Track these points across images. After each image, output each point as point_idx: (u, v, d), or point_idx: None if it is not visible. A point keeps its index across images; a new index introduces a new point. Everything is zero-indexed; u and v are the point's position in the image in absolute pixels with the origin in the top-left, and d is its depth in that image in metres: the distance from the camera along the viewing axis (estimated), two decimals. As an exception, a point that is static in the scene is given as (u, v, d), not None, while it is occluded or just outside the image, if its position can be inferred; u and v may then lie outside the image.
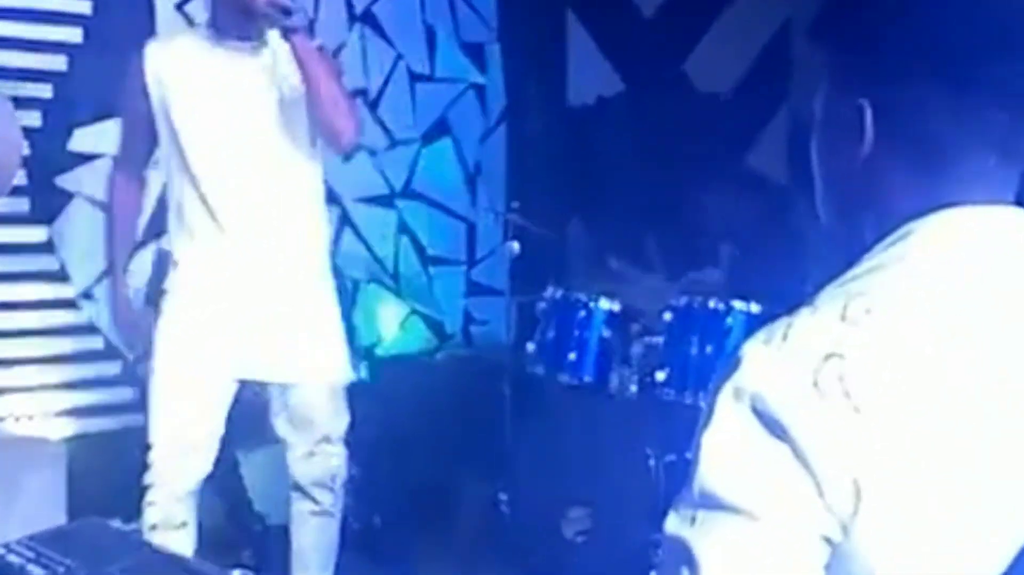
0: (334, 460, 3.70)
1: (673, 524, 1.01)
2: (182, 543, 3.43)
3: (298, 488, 3.74)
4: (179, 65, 3.36)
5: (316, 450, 3.66)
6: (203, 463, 3.47)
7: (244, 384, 3.62)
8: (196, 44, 3.39)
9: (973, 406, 0.97)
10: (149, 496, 3.42)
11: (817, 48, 1.14)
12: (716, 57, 5.92)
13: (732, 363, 1.01)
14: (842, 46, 1.12)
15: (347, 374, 3.67)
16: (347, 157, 5.88)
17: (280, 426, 3.70)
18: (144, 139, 3.53)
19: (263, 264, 3.41)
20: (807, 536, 0.95)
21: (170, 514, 3.40)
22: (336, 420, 3.65)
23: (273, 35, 3.31)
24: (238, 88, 3.35)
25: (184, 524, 3.43)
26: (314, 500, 3.73)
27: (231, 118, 3.35)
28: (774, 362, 0.98)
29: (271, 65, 3.35)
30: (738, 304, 4.23)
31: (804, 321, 1.00)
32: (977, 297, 1.02)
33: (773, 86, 5.06)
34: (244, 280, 3.42)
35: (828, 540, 0.95)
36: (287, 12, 3.16)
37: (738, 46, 5.79)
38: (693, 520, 0.98)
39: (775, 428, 0.95)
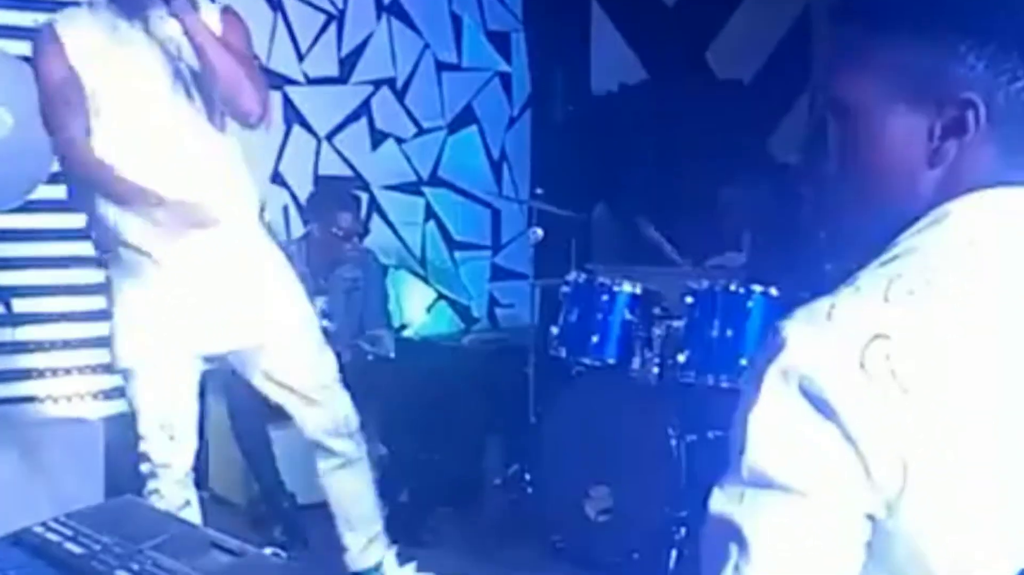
0: (338, 403, 3.64)
1: (719, 502, 1.02)
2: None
3: (318, 447, 3.69)
4: (85, 43, 3.20)
5: (315, 397, 3.59)
6: (191, 442, 3.45)
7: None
8: (98, 20, 3.22)
9: (1018, 385, 0.99)
10: (150, 485, 3.37)
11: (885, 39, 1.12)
12: (737, 44, 5.94)
13: (774, 344, 1.02)
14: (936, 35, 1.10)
15: (308, 318, 3.62)
16: (375, 145, 5.99)
17: (271, 392, 3.61)
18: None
19: (200, 238, 3.25)
20: (853, 514, 0.97)
21: (173, 498, 3.35)
22: (322, 364, 3.61)
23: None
24: (140, 65, 3.21)
25: (188, 503, 3.40)
26: (334, 453, 3.68)
27: (135, 95, 3.22)
28: (820, 343, 0.99)
29: (171, 39, 3.20)
30: (758, 288, 4.28)
31: (847, 301, 1.01)
32: (1017, 277, 1.04)
33: (794, 73, 5.07)
34: (186, 257, 3.28)
35: (872, 518, 0.97)
36: None
37: (759, 33, 5.81)
38: (741, 498, 1.00)
39: (823, 408, 0.97)
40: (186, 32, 3.12)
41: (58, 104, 3.26)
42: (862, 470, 0.96)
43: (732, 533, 1.00)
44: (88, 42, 3.20)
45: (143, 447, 3.35)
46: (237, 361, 3.57)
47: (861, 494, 0.97)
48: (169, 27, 3.19)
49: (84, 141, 3.24)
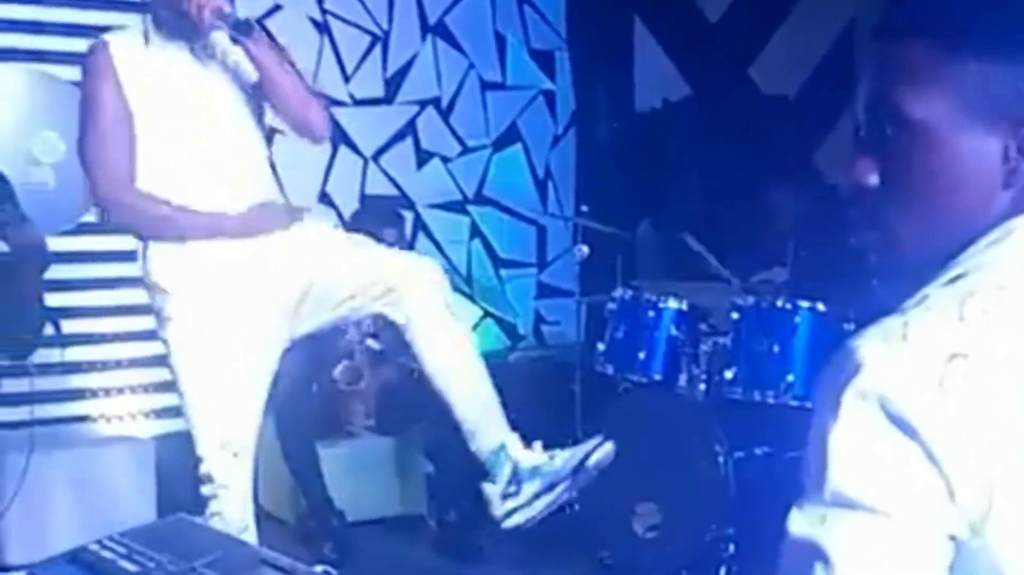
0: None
1: (800, 525, 1.01)
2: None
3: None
4: (135, 66, 3.13)
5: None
6: (251, 462, 3.31)
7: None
8: (147, 43, 3.15)
9: None
10: (213, 507, 3.23)
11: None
12: (782, 60, 5.93)
13: (849, 364, 1.01)
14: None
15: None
16: (420, 164, 6.04)
17: (392, 313, 3.37)
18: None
19: (259, 253, 3.19)
20: (936, 535, 0.97)
21: (234, 521, 3.20)
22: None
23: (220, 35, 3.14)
24: (190, 88, 3.15)
25: (247, 528, 3.25)
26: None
27: (187, 118, 3.15)
28: (897, 363, 0.98)
29: (221, 63, 3.18)
30: (804, 303, 4.27)
31: (921, 320, 1.00)
32: None
33: (839, 87, 5.06)
34: (248, 270, 3.19)
35: (954, 538, 0.97)
36: (225, 16, 3.01)
37: (803, 48, 5.80)
38: (823, 519, 0.99)
39: (905, 429, 0.96)
40: (250, 54, 3.10)
41: (107, 135, 3.15)
42: (946, 491, 0.96)
43: (816, 555, 0.99)
44: (141, 65, 3.13)
45: (204, 468, 3.25)
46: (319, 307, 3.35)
47: (945, 515, 0.96)
48: (223, 47, 3.19)
49: (129, 176, 3.14)
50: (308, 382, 4.98)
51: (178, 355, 3.24)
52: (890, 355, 0.99)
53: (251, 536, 3.20)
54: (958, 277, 1.04)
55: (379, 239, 4.90)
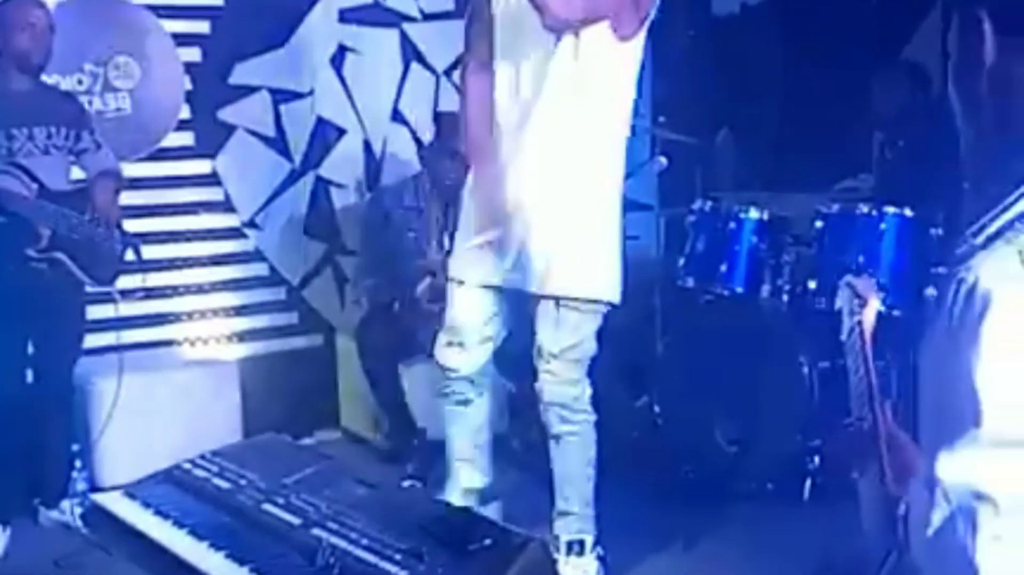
0: (555, 383, 3.51)
1: (950, 470, 1.02)
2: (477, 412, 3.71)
3: (554, 407, 3.59)
4: None
5: (542, 367, 3.53)
6: (480, 352, 3.65)
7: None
8: None
9: None
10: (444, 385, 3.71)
11: None
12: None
13: (975, 302, 1.01)
14: None
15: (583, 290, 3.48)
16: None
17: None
18: (488, 40, 3.51)
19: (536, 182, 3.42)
20: None
21: (460, 394, 3.70)
22: (566, 338, 3.47)
23: None
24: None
25: (468, 401, 3.71)
26: (558, 420, 3.58)
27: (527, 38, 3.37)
28: None
29: None
30: (891, 209, 4.17)
31: None
32: None
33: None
34: (517, 193, 3.43)
35: None
36: None
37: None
38: (985, 460, 1.00)
39: None
40: None
41: (470, 25, 3.62)
42: None
43: (975, 496, 1.00)
44: None
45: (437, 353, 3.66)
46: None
47: None
48: None
49: (474, 60, 3.56)
50: (389, 302, 4.99)
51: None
52: (1020, 291, 0.98)
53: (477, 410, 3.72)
54: None
55: (450, 157, 4.92)
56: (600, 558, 3.62)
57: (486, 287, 3.56)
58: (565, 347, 3.49)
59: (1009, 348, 0.99)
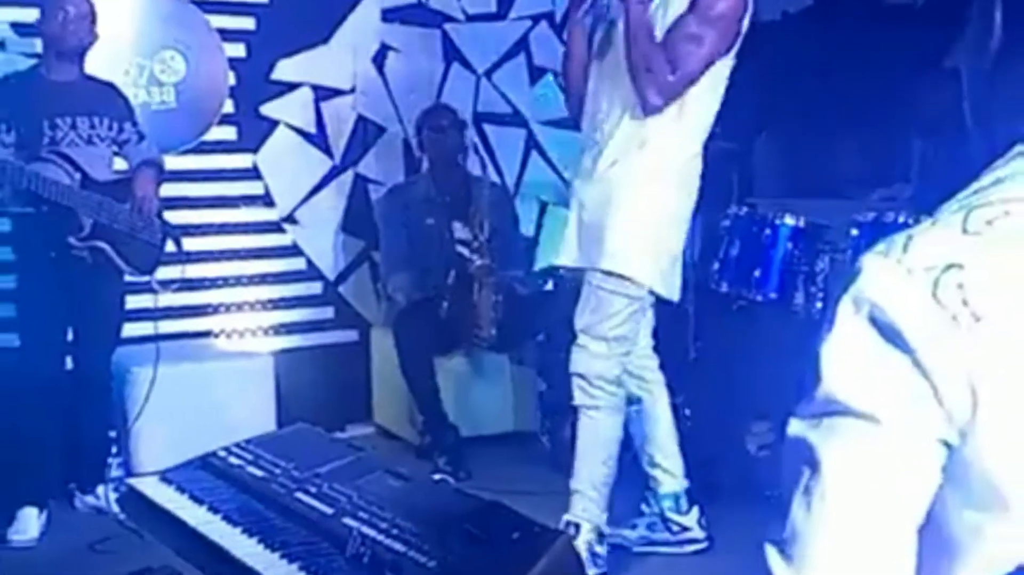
0: (579, 353, 3.66)
1: (796, 427, 1.03)
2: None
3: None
4: None
5: (577, 341, 3.69)
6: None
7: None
8: None
9: None
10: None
11: None
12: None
13: (852, 273, 1.01)
14: None
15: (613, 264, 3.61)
16: (533, 80, 5.99)
17: None
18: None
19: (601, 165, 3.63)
20: (927, 439, 0.97)
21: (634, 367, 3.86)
22: (586, 315, 3.64)
23: None
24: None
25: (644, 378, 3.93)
26: (580, 392, 3.71)
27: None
28: (893, 273, 0.98)
29: None
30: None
31: (925, 232, 1.00)
32: None
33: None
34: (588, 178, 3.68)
35: (947, 444, 0.97)
36: None
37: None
38: (817, 424, 1.00)
39: (894, 338, 0.96)
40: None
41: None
42: (933, 398, 0.95)
43: (805, 455, 1.00)
44: None
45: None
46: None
47: (933, 421, 0.96)
48: None
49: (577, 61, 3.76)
50: (425, 297, 5.03)
51: None
52: (886, 265, 0.98)
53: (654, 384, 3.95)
54: (975, 191, 1.02)
55: (445, 146, 5.00)
56: (592, 554, 3.63)
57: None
58: (589, 323, 3.63)
59: (847, 319, 1.00)
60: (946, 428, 0.97)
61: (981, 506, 0.98)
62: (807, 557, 1.01)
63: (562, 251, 3.78)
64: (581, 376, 3.66)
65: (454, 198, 5.16)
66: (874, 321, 0.98)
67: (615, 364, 3.67)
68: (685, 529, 3.95)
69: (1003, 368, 0.95)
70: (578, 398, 3.69)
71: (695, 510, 3.97)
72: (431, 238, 5.12)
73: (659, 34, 3.49)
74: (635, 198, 3.58)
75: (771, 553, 1.04)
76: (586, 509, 3.63)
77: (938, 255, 0.97)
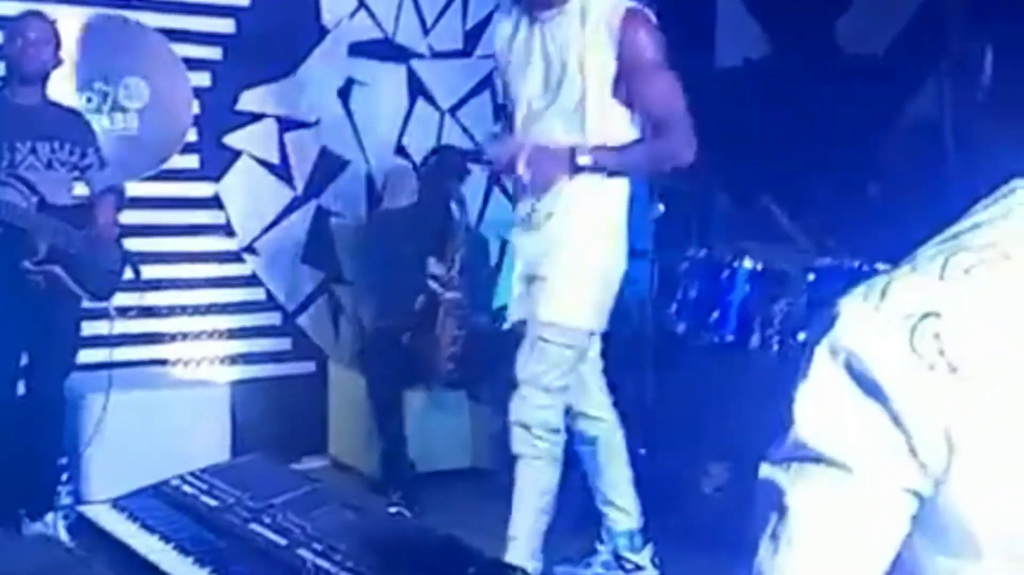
0: (521, 403, 3.62)
1: (766, 471, 1.03)
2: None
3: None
4: (507, 38, 3.71)
5: (519, 391, 3.65)
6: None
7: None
8: (515, 18, 3.70)
9: None
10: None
11: None
12: (868, 18, 5.81)
13: (830, 318, 1.01)
14: None
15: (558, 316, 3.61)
16: (497, 118, 6.01)
17: None
18: None
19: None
20: (897, 490, 0.97)
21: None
22: (529, 366, 3.60)
23: None
24: (539, 55, 3.58)
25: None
26: (520, 441, 3.68)
27: (534, 83, 3.60)
28: (871, 321, 0.97)
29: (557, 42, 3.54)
30: (882, 265, 4.21)
31: (903, 279, 0.99)
32: None
33: (929, 47, 4.93)
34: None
35: (917, 494, 0.97)
36: None
37: (891, 5, 5.67)
38: (787, 468, 1.01)
39: (869, 387, 0.96)
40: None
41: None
42: (907, 448, 0.95)
43: (774, 500, 1.01)
44: (507, 38, 3.71)
45: None
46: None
47: (906, 471, 0.96)
48: (563, 31, 3.51)
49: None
50: (394, 327, 5.03)
51: None
52: (864, 312, 0.98)
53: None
54: (953, 236, 1.02)
55: (442, 189, 5.00)
56: None
57: None
58: (533, 374, 3.61)
59: (822, 366, 1.03)
60: (919, 479, 0.97)
61: (955, 553, 0.98)
62: None
63: (510, 305, 3.80)
64: (524, 426, 3.63)
65: (434, 235, 5.16)
66: (850, 369, 0.98)
67: (557, 413, 3.66)
68: (639, 568, 3.95)
69: (979, 418, 0.95)
70: (519, 447, 3.65)
71: (648, 548, 3.97)
72: (404, 268, 5.12)
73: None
74: (573, 248, 3.61)
75: None
76: (522, 557, 3.62)
77: (916, 303, 0.97)
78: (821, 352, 1.01)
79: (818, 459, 0.99)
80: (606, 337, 3.94)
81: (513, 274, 3.79)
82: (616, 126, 3.59)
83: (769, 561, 1.01)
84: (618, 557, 3.94)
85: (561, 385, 3.65)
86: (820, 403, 1.00)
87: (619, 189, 3.71)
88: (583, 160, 3.52)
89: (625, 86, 3.54)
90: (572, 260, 3.60)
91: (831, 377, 1.00)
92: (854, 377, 0.98)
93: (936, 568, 0.99)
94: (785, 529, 1.00)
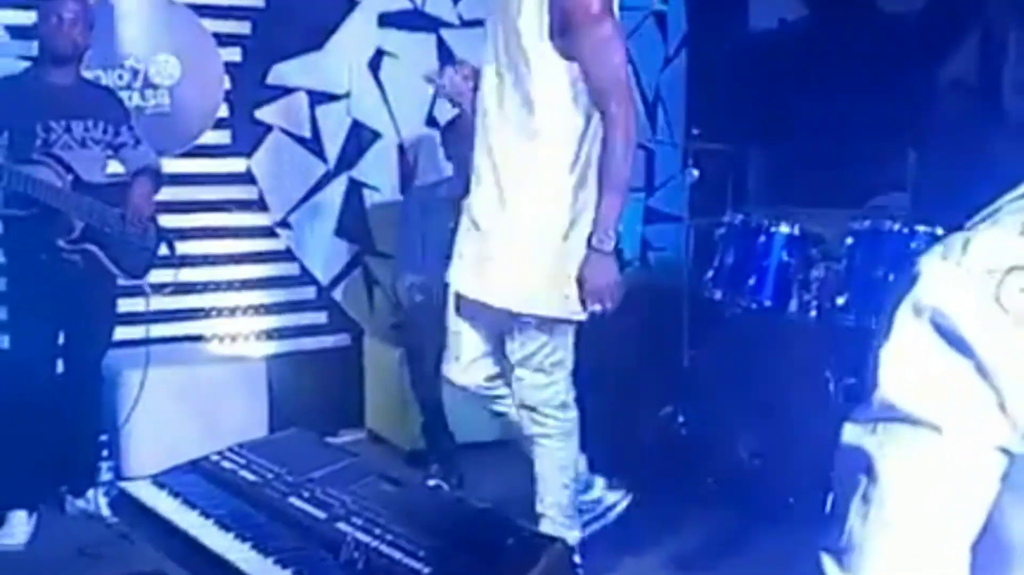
0: (520, 386, 3.58)
1: (852, 434, 1.02)
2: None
3: (532, 412, 3.66)
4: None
5: (515, 374, 3.60)
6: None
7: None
8: None
9: None
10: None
11: None
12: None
13: (909, 278, 1.00)
14: None
15: (525, 306, 3.51)
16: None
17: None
18: None
19: (499, 199, 3.46)
20: (986, 447, 0.96)
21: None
22: (521, 348, 3.54)
23: None
24: (503, 31, 3.40)
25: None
26: (530, 422, 3.65)
27: (498, 57, 3.43)
28: (954, 277, 0.97)
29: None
30: (922, 227, 4.16)
31: (984, 235, 0.98)
32: None
33: (965, 4, 4.84)
34: (487, 211, 3.50)
35: (1007, 451, 0.96)
36: None
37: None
38: (874, 430, 1.00)
39: (956, 343, 0.95)
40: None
41: None
42: (996, 404, 0.94)
43: (863, 463, 1.00)
44: None
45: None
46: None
47: (995, 428, 0.95)
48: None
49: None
50: (437, 304, 5.01)
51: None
52: (947, 269, 0.98)
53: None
54: None
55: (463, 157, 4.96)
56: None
57: None
58: (523, 357, 3.53)
59: (906, 324, 1.00)
60: (1009, 435, 0.96)
61: None
62: (865, 566, 1.00)
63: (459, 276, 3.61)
64: (529, 408, 3.60)
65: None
66: (936, 326, 0.97)
67: (558, 390, 3.59)
68: (597, 502, 3.90)
69: None
70: (529, 429, 3.63)
71: (599, 481, 3.91)
72: (441, 242, 5.09)
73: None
74: (531, 236, 3.47)
75: (827, 562, 1.03)
76: (556, 530, 3.60)
77: (999, 257, 0.96)
78: (904, 312, 0.99)
79: (906, 419, 0.98)
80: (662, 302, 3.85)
81: (465, 251, 3.66)
82: (557, 81, 3.34)
83: (861, 524, 1.00)
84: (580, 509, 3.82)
85: (556, 360, 3.55)
86: (906, 363, 0.99)
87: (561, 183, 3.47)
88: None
89: (560, 36, 3.29)
90: (532, 247, 3.48)
91: (916, 336, 0.98)
92: (940, 334, 0.97)
93: None
94: (876, 491, 0.99)
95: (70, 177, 4.06)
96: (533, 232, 3.44)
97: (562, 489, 3.64)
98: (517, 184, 3.43)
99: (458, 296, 3.62)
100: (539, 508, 3.63)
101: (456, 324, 3.66)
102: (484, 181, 3.50)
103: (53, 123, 4.06)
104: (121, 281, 4.30)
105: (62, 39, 4.07)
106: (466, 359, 3.67)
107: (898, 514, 0.99)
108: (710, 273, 4.64)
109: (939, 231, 4.10)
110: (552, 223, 3.44)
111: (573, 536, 3.63)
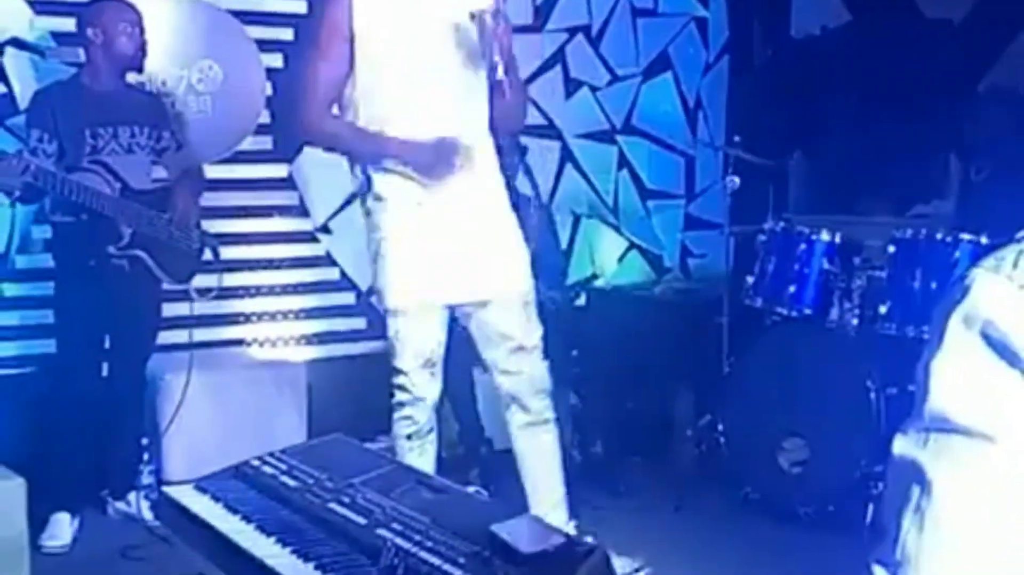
0: (534, 368, 3.66)
1: (903, 446, 1.01)
2: (432, 448, 3.68)
3: (513, 401, 3.71)
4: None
5: (514, 362, 3.64)
6: (439, 377, 3.66)
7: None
8: None
9: None
10: (405, 411, 3.61)
11: None
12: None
13: (959, 289, 1.00)
14: None
15: (528, 286, 3.66)
16: (568, 94, 5.99)
17: (480, 343, 3.70)
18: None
19: (453, 195, 3.49)
20: None
21: (424, 423, 3.62)
22: (529, 331, 3.64)
23: None
24: (424, 19, 3.47)
25: (432, 430, 3.66)
26: (526, 409, 3.69)
27: (417, 51, 3.47)
28: (1005, 291, 0.97)
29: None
30: (966, 236, 4.12)
31: None
32: None
33: (1010, 10, 4.80)
34: (440, 212, 3.49)
35: None
36: None
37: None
38: (926, 442, 0.99)
39: (1008, 355, 0.95)
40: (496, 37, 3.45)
41: (321, 51, 3.52)
42: None
43: (915, 475, 0.99)
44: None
45: (401, 380, 3.58)
46: (460, 311, 3.66)
47: None
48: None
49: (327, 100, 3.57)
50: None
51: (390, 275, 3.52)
52: (999, 283, 0.97)
53: (435, 441, 3.65)
54: None
55: (502, 160, 4.96)
56: None
57: None
58: (538, 338, 3.65)
59: (957, 336, 0.99)
60: None
61: None
62: None
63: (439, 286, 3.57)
64: (544, 394, 3.69)
65: None
66: (987, 338, 0.97)
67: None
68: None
69: None
70: (538, 411, 3.68)
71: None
72: None
73: None
74: (496, 212, 3.62)
75: None
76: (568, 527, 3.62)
77: None
78: (955, 323, 0.99)
79: (958, 430, 0.97)
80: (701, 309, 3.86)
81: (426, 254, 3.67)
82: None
83: (915, 537, 0.99)
84: None
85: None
86: (957, 374, 0.98)
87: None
88: None
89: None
90: (500, 222, 3.65)
91: (968, 348, 0.98)
92: (992, 346, 0.96)
93: None
94: (930, 506, 0.98)
95: (118, 184, 4.10)
96: (503, 223, 3.62)
97: (562, 478, 3.70)
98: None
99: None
100: (544, 508, 3.63)
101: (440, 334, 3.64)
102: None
103: (101, 129, 4.11)
104: (166, 285, 4.34)
105: (129, 50, 4.13)
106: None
107: (953, 526, 0.98)
108: (750, 280, 4.62)
109: (983, 240, 4.07)
110: (507, 210, 3.64)
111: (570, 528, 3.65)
